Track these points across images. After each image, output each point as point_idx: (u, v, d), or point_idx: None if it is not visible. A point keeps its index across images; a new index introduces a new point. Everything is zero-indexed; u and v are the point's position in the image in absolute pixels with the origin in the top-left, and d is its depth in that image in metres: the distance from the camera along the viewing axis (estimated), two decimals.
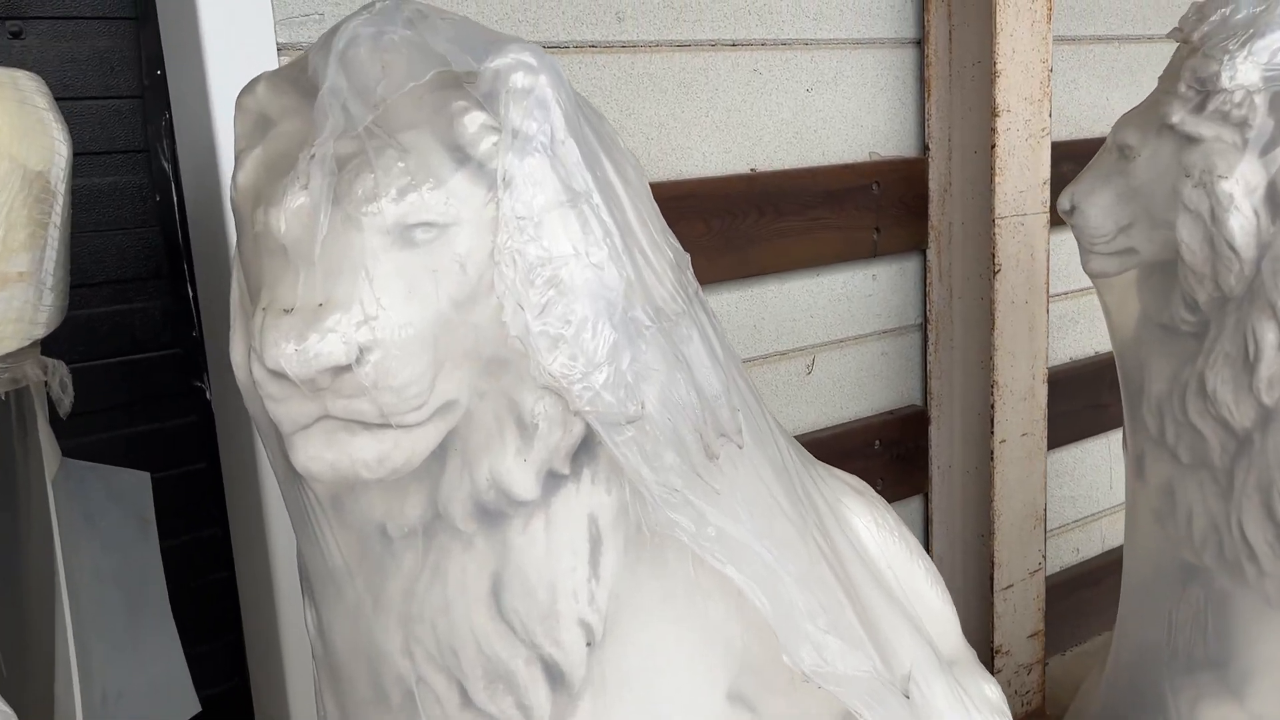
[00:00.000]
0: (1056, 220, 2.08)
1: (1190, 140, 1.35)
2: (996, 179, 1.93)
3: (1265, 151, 1.30)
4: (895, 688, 1.09)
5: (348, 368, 0.74)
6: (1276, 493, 1.35)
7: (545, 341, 0.80)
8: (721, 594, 0.98)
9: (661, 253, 0.92)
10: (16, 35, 1.44)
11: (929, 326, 2.13)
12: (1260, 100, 1.31)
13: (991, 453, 2.05)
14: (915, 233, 2.07)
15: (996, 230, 1.96)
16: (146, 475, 1.07)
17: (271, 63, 1.41)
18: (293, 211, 0.77)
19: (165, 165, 1.56)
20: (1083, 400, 2.45)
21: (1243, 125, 1.31)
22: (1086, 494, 2.58)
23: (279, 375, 0.74)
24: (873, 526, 1.20)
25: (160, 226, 1.58)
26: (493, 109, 0.80)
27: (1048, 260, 2.06)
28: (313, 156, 0.77)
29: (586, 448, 0.86)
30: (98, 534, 1.02)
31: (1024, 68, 1.92)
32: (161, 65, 1.53)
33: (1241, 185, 1.31)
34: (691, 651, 0.97)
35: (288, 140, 0.83)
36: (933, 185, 2.05)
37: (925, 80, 2.01)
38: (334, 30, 0.84)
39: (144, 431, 1.60)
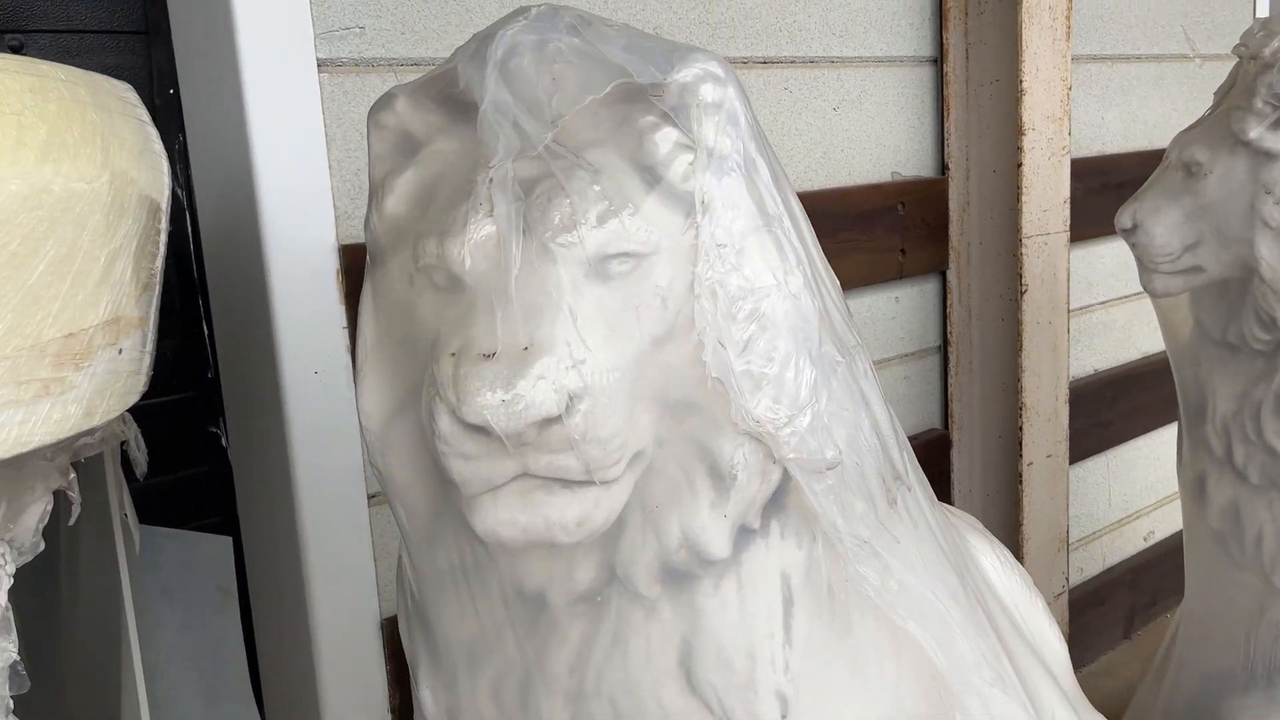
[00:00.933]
0: (1076, 234, 2.07)
1: (1269, 156, 1.34)
2: (1023, 198, 1.91)
3: None
4: None
5: (557, 419, 0.64)
6: None
7: (749, 382, 0.72)
8: (895, 653, 0.90)
9: (834, 281, 0.85)
10: (17, 49, 1.30)
11: (949, 349, 2.09)
12: None
13: (1020, 475, 2.02)
14: (936, 254, 2.03)
15: (1024, 250, 1.93)
16: (228, 541, 0.95)
17: (312, 80, 1.30)
18: (477, 243, 0.67)
19: (179, 192, 1.42)
20: (1084, 420, 2.44)
21: None
22: (1089, 513, 2.57)
23: (477, 430, 0.64)
24: (998, 565, 1.14)
25: (173, 259, 1.44)
26: (684, 125, 0.72)
27: (1068, 280, 2.05)
28: (491, 180, 0.68)
29: (774, 499, 0.78)
30: (176, 609, 0.89)
31: (1046, 85, 1.91)
32: (174, 83, 1.40)
33: None
34: (876, 686, 0.89)
35: (443, 162, 0.73)
36: (952, 205, 2.02)
37: (944, 99, 1.99)
38: (483, 38, 0.75)
39: (155, 483, 1.45)
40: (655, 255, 0.70)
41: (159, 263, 0.73)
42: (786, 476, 0.77)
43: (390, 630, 1.44)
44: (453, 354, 0.65)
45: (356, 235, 1.37)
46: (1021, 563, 2.06)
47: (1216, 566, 1.66)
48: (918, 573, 0.88)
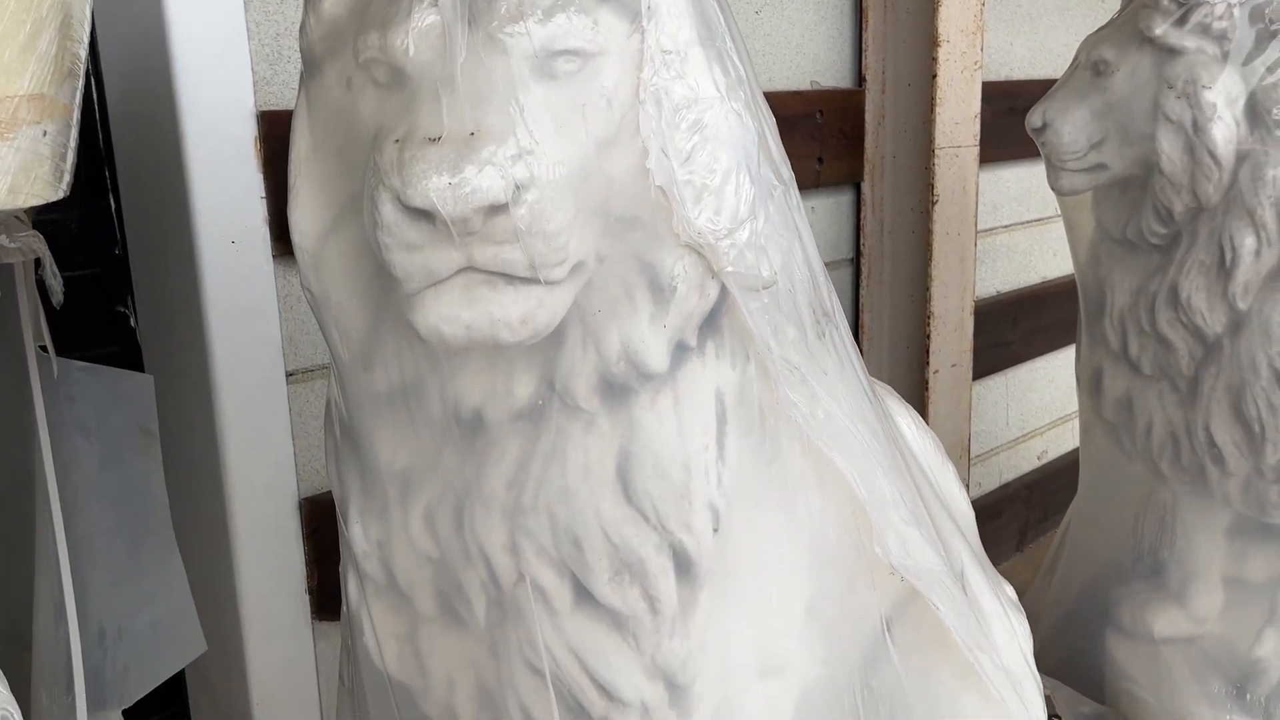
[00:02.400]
0: (983, 156, 2.13)
1: (1172, 53, 1.40)
2: (937, 110, 1.95)
3: (1245, 63, 1.36)
4: (956, 583, 1.08)
5: (503, 207, 0.64)
6: (1248, 393, 1.41)
7: (690, 192, 0.73)
8: (819, 486, 0.93)
9: (769, 114, 0.86)
10: None
11: (861, 260, 2.14)
12: (1240, 13, 1.36)
13: (926, 383, 2.08)
14: (852, 165, 2.07)
15: (936, 161, 1.98)
16: (150, 379, 0.92)
17: None
18: (421, 31, 0.66)
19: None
20: (987, 339, 2.53)
21: (1223, 38, 1.36)
22: (988, 430, 2.67)
23: (421, 215, 0.64)
24: (914, 426, 1.18)
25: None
26: None
27: (977, 194, 2.11)
28: None
29: (710, 319, 0.79)
30: (95, 446, 0.86)
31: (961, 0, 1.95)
32: None
33: (1223, 95, 1.36)
34: (789, 548, 0.92)
35: None
36: (869, 117, 2.05)
37: (863, 9, 2.01)
38: None
39: None
40: (602, 57, 0.70)
41: (82, 52, 0.70)
42: (723, 296, 0.79)
43: (309, 510, 1.43)
44: (396, 140, 0.65)
45: (276, 102, 1.33)
46: None
47: (1108, 460, 1.75)
48: (843, 406, 0.90)
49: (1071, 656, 1.79)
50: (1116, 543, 1.77)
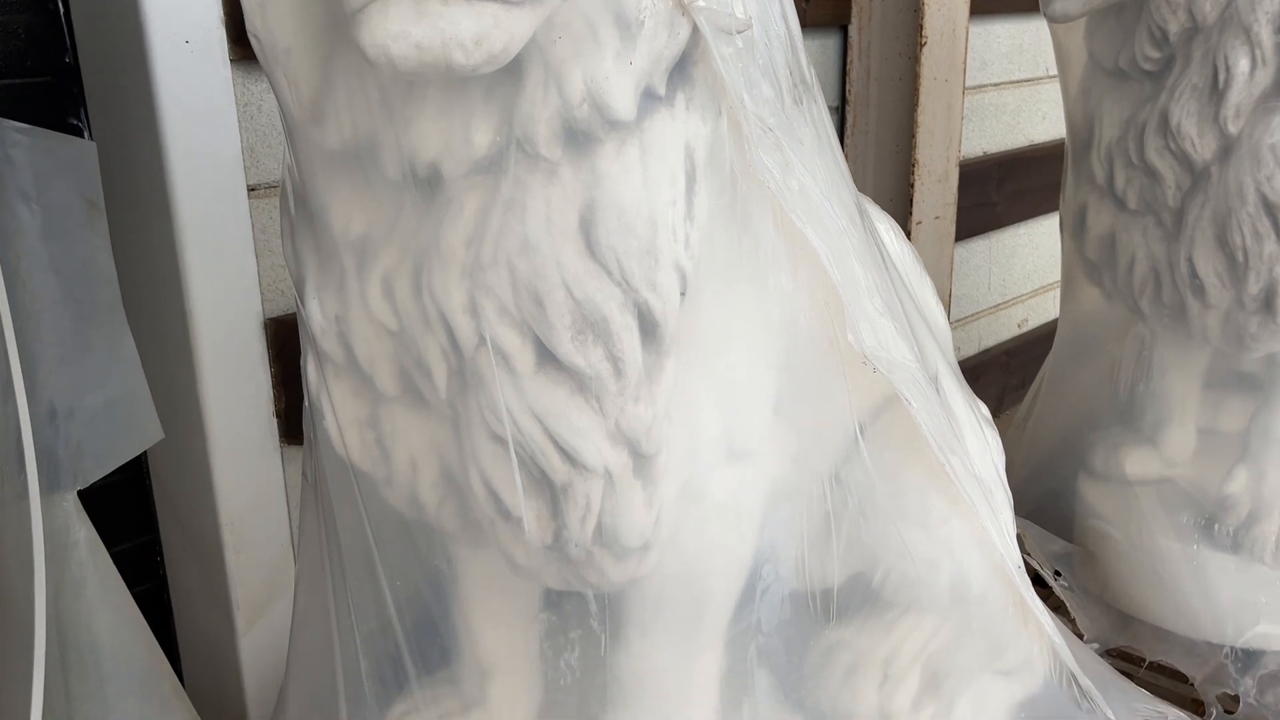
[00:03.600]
0: (974, 5, 2.06)
1: None
2: None
3: None
4: (931, 384, 1.06)
5: None
6: (1234, 220, 1.39)
7: None
8: (792, 267, 0.90)
9: None
10: None
11: (847, 108, 2.08)
12: None
13: (909, 234, 2.05)
14: (838, 6, 2.00)
15: (925, 2, 1.91)
16: (92, 146, 0.88)
17: None
18: None
19: None
20: (971, 199, 2.49)
21: None
22: (969, 295, 2.66)
23: None
24: (893, 235, 1.15)
25: None
26: None
27: (967, 39, 2.04)
28: None
29: (681, 66, 0.75)
30: (36, 214, 0.82)
31: None
32: None
33: None
34: (760, 331, 0.90)
35: None
36: None
37: None
38: None
39: None
40: None
41: None
42: (695, 42, 0.75)
43: (274, 330, 1.40)
44: None
45: None
46: None
47: (1088, 307, 1.74)
48: (819, 182, 0.87)
49: (1042, 502, 1.80)
50: (1092, 391, 1.77)
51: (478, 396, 0.80)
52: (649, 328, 0.77)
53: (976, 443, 1.14)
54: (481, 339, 0.77)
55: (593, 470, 0.79)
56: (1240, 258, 1.40)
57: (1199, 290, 1.46)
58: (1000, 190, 2.54)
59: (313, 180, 0.82)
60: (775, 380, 0.95)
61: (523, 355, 0.77)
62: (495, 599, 1.05)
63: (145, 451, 1.54)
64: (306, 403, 0.97)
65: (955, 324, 2.65)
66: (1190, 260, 1.46)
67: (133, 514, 1.55)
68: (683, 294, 0.78)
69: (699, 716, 1.02)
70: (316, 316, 0.87)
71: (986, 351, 2.75)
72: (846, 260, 0.91)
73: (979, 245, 2.62)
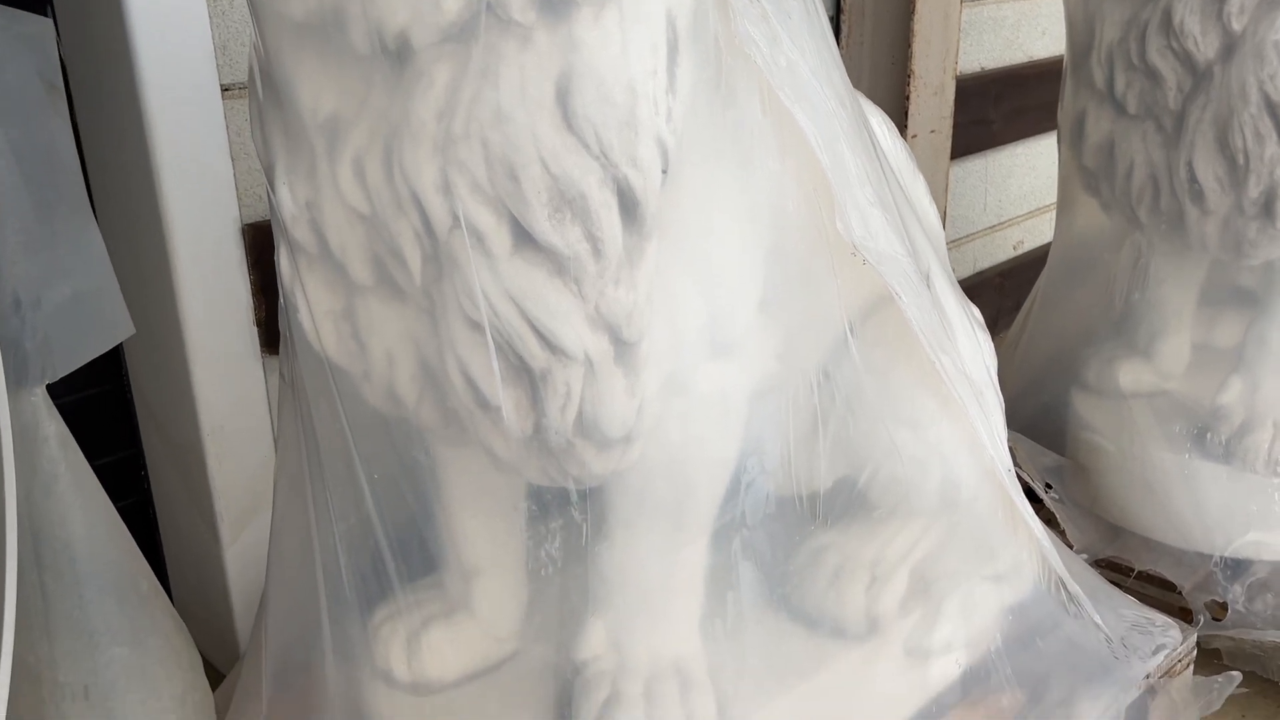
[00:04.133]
0: None
1: None
2: None
3: None
4: (922, 280, 1.04)
5: None
6: (1235, 122, 1.35)
7: None
8: (779, 150, 0.87)
9: None
10: None
11: (842, 17, 2.03)
12: None
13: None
14: None
15: None
16: (49, 23, 0.84)
17: None
18: None
19: None
20: (968, 115, 2.44)
21: None
22: (964, 215, 2.62)
23: None
24: (886, 129, 1.12)
25: None
26: None
27: None
28: None
29: None
30: None
31: None
32: None
33: None
34: (747, 217, 0.87)
35: None
36: None
37: None
38: None
39: None
40: None
41: None
42: None
43: (252, 237, 1.37)
44: None
45: None
46: None
47: (1085, 217, 1.71)
48: (807, 59, 0.84)
49: (1035, 417, 1.78)
50: (1086, 306, 1.75)
51: (453, 281, 0.78)
52: (629, 206, 0.74)
53: (968, 343, 1.12)
54: (455, 219, 0.74)
55: (572, 356, 0.77)
56: (1241, 160, 1.37)
57: (1198, 196, 1.43)
58: (998, 108, 2.49)
59: (279, 55, 0.79)
60: (762, 272, 0.93)
61: (498, 236, 0.74)
62: (479, 499, 1.04)
63: (125, 363, 1.52)
64: (281, 298, 0.95)
65: (950, 245, 2.61)
66: (1190, 165, 1.42)
67: (115, 427, 1.53)
68: (664, 171, 0.75)
69: (682, 609, 1.01)
70: (287, 203, 0.84)
71: (981, 273, 2.72)
72: (836, 144, 0.88)
73: (975, 165, 2.57)
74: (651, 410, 0.86)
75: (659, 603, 1.01)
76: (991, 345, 1.23)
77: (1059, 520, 1.60)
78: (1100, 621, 1.30)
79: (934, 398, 1.08)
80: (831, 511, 1.18)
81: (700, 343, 0.87)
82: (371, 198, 0.78)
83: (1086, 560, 1.56)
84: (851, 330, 1.04)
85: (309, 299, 0.89)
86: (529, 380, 0.80)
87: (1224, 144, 1.38)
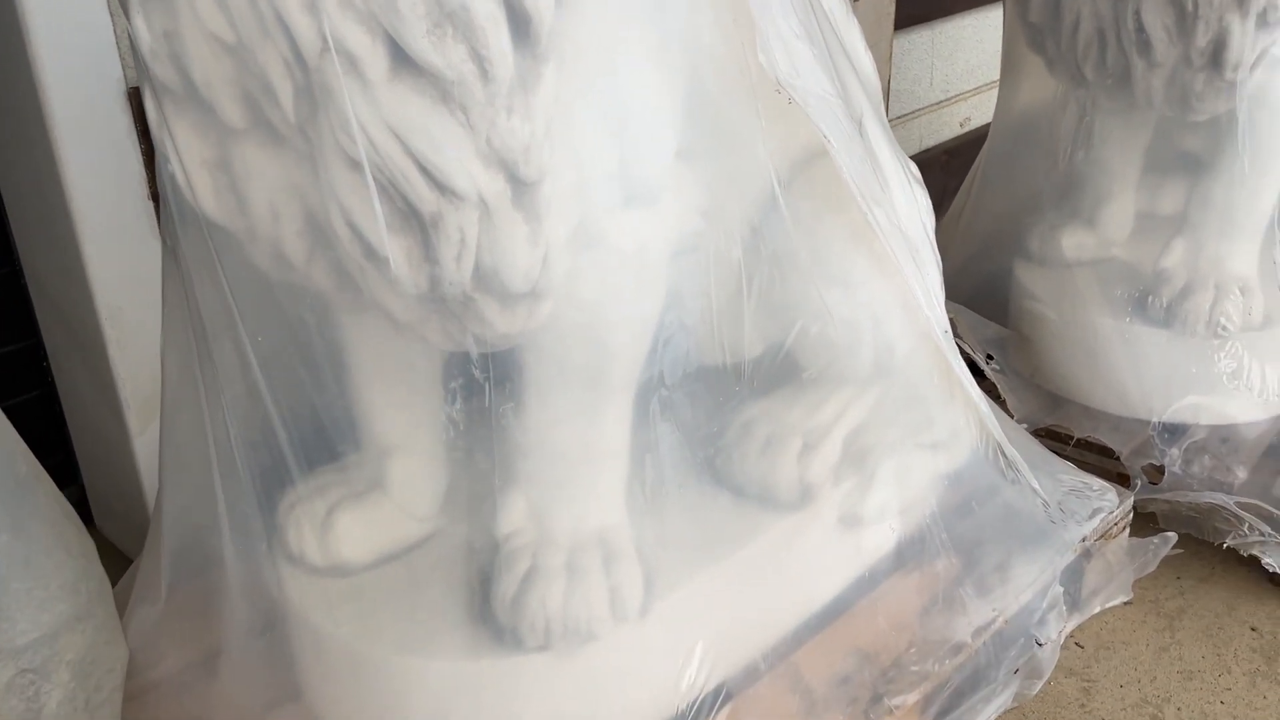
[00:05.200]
0: None
1: None
2: None
3: None
4: (853, 124, 0.97)
5: None
6: None
7: None
8: None
9: None
10: None
11: None
12: None
13: None
14: None
15: None
16: None
17: None
18: None
19: None
20: None
21: None
22: (909, 90, 2.54)
23: None
24: None
25: None
26: None
27: None
28: None
29: None
30: None
31: None
32: None
33: None
34: (654, 45, 0.80)
35: None
36: None
37: None
38: None
39: None
40: None
41: None
42: None
43: (140, 102, 1.26)
44: None
45: None
46: None
47: (1029, 79, 1.64)
48: None
49: (979, 288, 1.75)
50: (1030, 174, 1.69)
51: (328, 115, 0.70)
52: (520, 21, 0.66)
53: (903, 196, 1.06)
54: (325, 41, 0.66)
55: (464, 197, 0.70)
56: (1190, 7, 1.30)
57: (1145, 47, 1.37)
58: None
59: None
60: (678, 115, 0.86)
61: (373, 58, 0.66)
62: (391, 372, 0.98)
63: (15, 243, 1.42)
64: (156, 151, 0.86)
65: (894, 121, 2.54)
66: (1138, 14, 1.36)
67: (11, 315, 1.44)
68: None
69: (606, 477, 0.97)
70: (144, 34, 0.75)
71: (927, 151, 2.65)
72: None
73: (921, 37, 2.48)
74: (561, 263, 0.79)
75: (580, 471, 0.96)
76: (929, 201, 1.18)
77: (1000, 391, 1.57)
78: (1038, 487, 1.28)
79: (867, 255, 1.03)
80: (760, 377, 1.14)
81: (612, 189, 0.81)
82: (235, 23, 0.70)
83: (1027, 430, 1.55)
84: (780, 183, 0.98)
85: (179, 148, 0.81)
86: (419, 226, 0.72)
87: None
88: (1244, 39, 1.30)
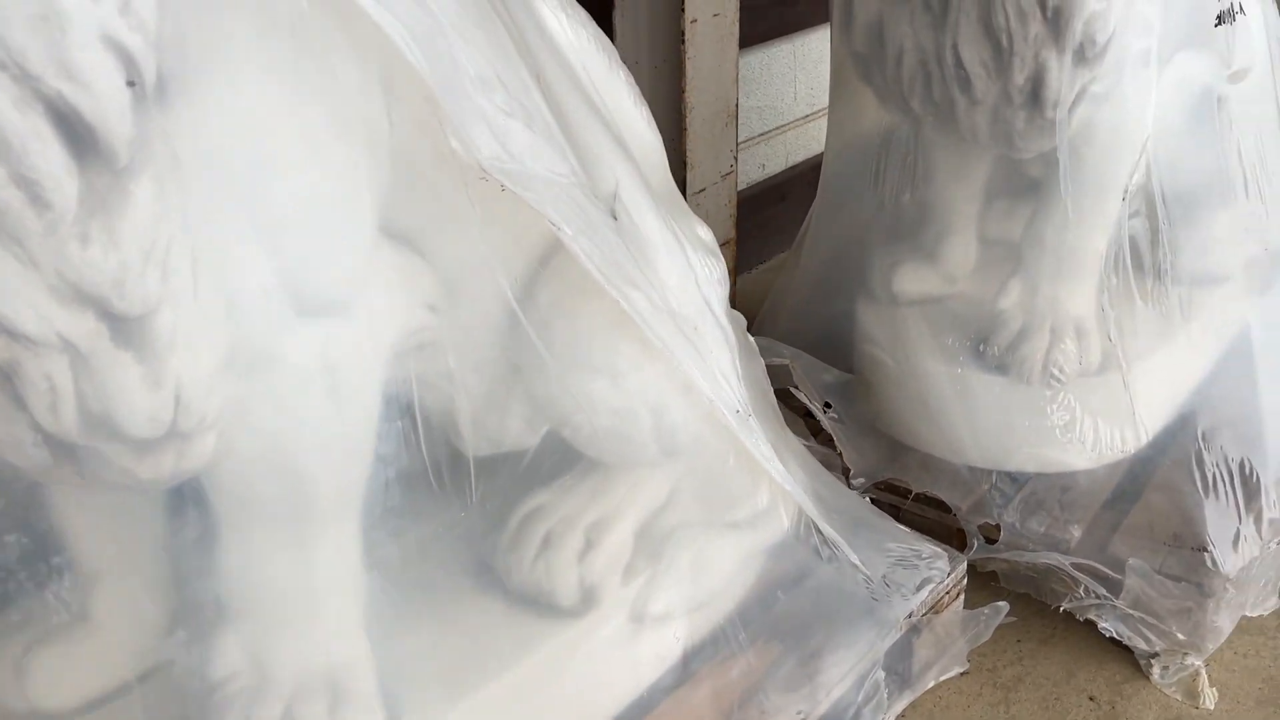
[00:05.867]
0: None
1: None
2: None
3: None
4: (600, 203, 0.86)
5: None
6: (997, 0, 1.20)
7: None
8: (352, 50, 0.67)
9: None
10: None
11: None
12: None
13: (682, 34, 1.81)
14: None
15: None
16: None
17: None
18: None
19: None
20: None
21: None
22: (773, 105, 2.46)
23: None
24: (563, 17, 0.92)
25: None
26: None
27: None
28: None
29: None
30: None
31: None
32: None
33: None
34: (324, 137, 0.68)
35: None
36: None
37: None
38: None
39: None
40: None
41: None
42: None
43: None
44: None
45: None
46: (685, 136, 1.91)
47: (861, 108, 1.56)
48: None
49: (825, 329, 1.66)
50: (866, 206, 1.60)
51: None
52: (80, 133, 0.54)
53: (675, 270, 0.95)
54: None
55: (40, 341, 0.57)
56: (1005, 42, 1.22)
57: (965, 83, 1.29)
58: None
59: None
60: (371, 205, 0.74)
61: None
62: (90, 498, 0.84)
63: None
64: None
65: (759, 138, 2.46)
66: (956, 49, 1.27)
67: None
68: (134, 84, 0.55)
69: (335, 611, 0.85)
70: None
71: (795, 167, 2.57)
72: (437, 40, 0.68)
73: (781, 50, 2.40)
74: (217, 393, 0.67)
75: (301, 607, 0.84)
76: (722, 268, 1.07)
77: (837, 442, 1.48)
78: (859, 562, 1.19)
79: (633, 341, 0.92)
80: (540, 467, 1.03)
81: (274, 304, 0.69)
82: None
83: (864, 484, 1.46)
84: (513, 273, 0.88)
85: None
86: (3, 377, 0.60)
87: (988, 25, 1.23)
88: (1062, 75, 1.22)
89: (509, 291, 0.82)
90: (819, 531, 1.16)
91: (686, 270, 0.97)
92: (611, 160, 0.91)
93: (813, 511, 1.15)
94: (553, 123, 0.80)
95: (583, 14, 0.95)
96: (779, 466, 1.09)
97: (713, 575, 1.09)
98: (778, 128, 2.49)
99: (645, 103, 1.04)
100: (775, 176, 2.52)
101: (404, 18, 0.65)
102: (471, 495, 0.91)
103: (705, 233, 1.09)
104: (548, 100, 0.81)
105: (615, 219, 0.88)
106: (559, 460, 1.03)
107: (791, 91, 2.49)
